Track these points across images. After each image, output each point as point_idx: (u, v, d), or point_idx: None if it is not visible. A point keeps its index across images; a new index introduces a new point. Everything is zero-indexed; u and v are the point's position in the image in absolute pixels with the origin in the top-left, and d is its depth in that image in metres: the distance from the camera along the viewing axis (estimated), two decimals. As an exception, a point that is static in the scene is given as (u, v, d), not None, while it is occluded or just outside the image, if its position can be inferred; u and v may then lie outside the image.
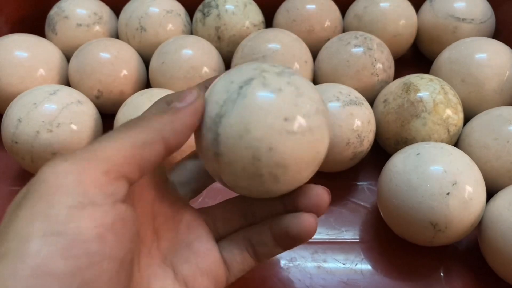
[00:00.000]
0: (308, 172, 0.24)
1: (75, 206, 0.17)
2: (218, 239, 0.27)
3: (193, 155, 0.29)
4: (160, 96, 0.37)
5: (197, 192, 0.28)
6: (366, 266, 0.35)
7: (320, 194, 0.25)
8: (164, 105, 0.22)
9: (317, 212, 0.25)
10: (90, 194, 0.18)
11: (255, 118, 0.21)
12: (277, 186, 0.23)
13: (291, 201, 0.26)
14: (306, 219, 0.25)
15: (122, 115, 0.38)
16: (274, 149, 0.21)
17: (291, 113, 0.22)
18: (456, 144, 0.38)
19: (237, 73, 0.23)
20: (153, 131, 0.21)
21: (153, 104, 0.23)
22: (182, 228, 0.26)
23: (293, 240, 0.25)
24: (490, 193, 0.34)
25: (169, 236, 0.25)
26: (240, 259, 0.26)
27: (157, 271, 0.24)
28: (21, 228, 0.16)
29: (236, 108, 0.22)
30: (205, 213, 0.27)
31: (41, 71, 0.43)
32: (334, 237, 0.37)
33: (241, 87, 0.22)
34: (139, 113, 0.24)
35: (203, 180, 0.28)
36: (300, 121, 0.22)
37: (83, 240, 0.17)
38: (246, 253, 0.26)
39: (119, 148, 0.19)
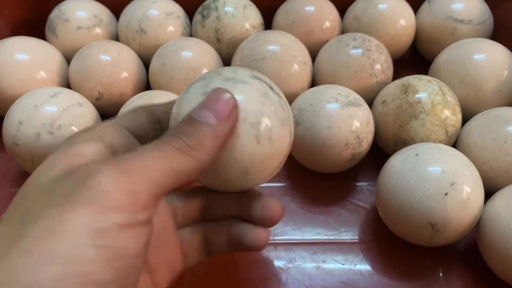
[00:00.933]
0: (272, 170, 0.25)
1: (125, 225, 0.18)
2: (177, 227, 0.28)
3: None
4: (159, 99, 0.38)
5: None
6: (365, 267, 0.35)
7: (276, 210, 0.27)
8: (198, 123, 0.22)
9: (268, 225, 0.27)
10: (138, 216, 0.19)
11: None
12: (247, 185, 0.25)
13: (247, 209, 0.27)
14: (262, 234, 0.27)
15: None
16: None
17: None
18: (455, 144, 0.38)
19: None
20: (198, 162, 0.21)
21: (187, 119, 0.22)
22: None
23: (246, 248, 0.27)
24: (489, 193, 0.34)
25: None
26: (197, 254, 0.28)
27: None
28: (75, 234, 0.17)
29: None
30: (167, 201, 0.28)
31: (42, 73, 0.43)
32: (333, 237, 0.37)
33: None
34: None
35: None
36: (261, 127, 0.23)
37: (127, 255, 0.18)
38: (203, 248, 0.28)
39: (168, 174, 0.20)
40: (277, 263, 0.35)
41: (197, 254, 0.28)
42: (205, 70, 0.42)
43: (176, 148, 0.21)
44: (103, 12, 0.48)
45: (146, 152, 0.20)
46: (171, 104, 0.26)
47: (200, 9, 0.47)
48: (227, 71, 0.24)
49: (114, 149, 0.22)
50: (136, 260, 0.19)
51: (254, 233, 0.27)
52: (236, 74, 0.24)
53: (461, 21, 0.45)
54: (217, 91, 0.22)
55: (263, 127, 0.23)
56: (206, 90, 0.23)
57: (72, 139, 0.22)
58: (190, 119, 0.22)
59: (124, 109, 0.39)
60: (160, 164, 0.20)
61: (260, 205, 0.27)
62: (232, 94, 0.22)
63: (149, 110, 0.26)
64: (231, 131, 0.22)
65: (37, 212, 0.18)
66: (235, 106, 0.22)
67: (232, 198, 0.28)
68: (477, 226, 0.33)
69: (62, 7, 0.47)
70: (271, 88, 0.25)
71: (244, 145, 0.23)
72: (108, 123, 0.24)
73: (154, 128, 0.26)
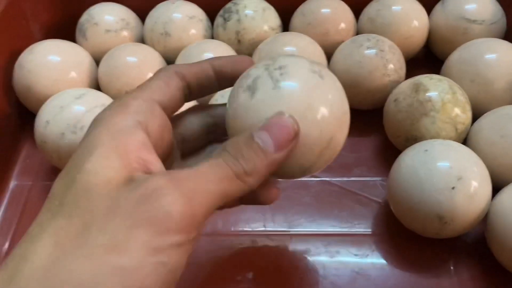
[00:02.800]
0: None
1: (180, 244, 0.19)
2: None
3: (194, 110, 0.28)
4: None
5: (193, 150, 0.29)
6: (377, 258, 0.37)
7: (275, 195, 0.27)
8: (257, 147, 0.21)
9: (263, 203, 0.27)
10: (191, 235, 0.20)
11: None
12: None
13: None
14: (275, 193, 0.27)
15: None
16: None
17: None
18: (465, 141, 0.39)
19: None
20: (248, 188, 0.21)
21: (248, 138, 0.22)
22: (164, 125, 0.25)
23: (253, 201, 0.27)
24: (497, 189, 0.35)
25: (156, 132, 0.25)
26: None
27: None
28: (137, 251, 0.18)
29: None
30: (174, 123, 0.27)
31: (73, 74, 0.45)
32: (346, 230, 0.38)
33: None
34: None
35: (205, 138, 0.29)
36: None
37: (177, 269, 0.19)
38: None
39: (221, 198, 0.21)
40: (293, 253, 0.37)
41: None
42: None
43: (233, 171, 0.21)
44: (130, 16, 0.51)
45: (207, 172, 0.20)
46: (202, 67, 0.25)
47: (221, 12, 0.49)
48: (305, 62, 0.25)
49: (150, 135, 0.22)
50: (181, 270, 0.20)
51: (268, 189, 0.27)
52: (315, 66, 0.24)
53: (474, 21, 0.45)
54: (282, 117, 0.22)
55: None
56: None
57: (113, 125, 0.21)
58: (251, 141, 0.21)
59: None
60: (218, 188, 0.20)
61: (264, 186, 0.26)
62: (295, 121, 0.22)
63: (180, 73, 0.25)
64: (286, 159, 0.22)
65: (103, 221, 0.18)
66: (296, 135, 0.22)
67: None
68: (485, 220, 0.34)
69: (91, 11, 0.50)
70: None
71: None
72: (142, 98, 0.23)
73: (184, 94, 0.25)
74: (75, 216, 0.18)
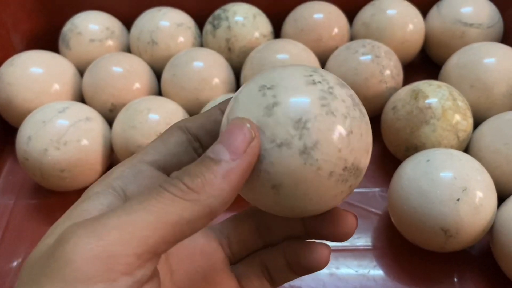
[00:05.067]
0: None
1: None
2: (234, 261, 0.25)
3: None
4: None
5: None
6: (378, 273, 0.35)
7: (350, 223, 0.23)
8: (209, 161, 0.18)
9: (341, 240, 0.23)
10: (119, 283, 0.16)
11: None
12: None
13: (314, 224, 0.23)
14: (321, 252, 0.23)
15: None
16: None
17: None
18: (466, 149, 0.38)
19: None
20: (201, 207, 0.18)
21: (202, 157, 0.19)
22: (196, 255, 0.24)
23: (306, 269, 0.24)
24: (502, 198, 0.34)
25: (182, 266, 0.24)
26: (257, 284, 0.24)
27: None
28: None
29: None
30: (218, 231, 0.25)
31: (56, 86, 0.44)
32: (346, 244, 0.37)
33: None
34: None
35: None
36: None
37: None
38: (264, 278, 0.24)
39: (160, 228, 0.17)
40: (291, 271, 0.36)
41: (259, 286, 0.24)
42: (216, 80, 0.43)
43: (172, 194, 0.18)
44: (115, 25, 0.49)
45: (132, 205, 0.17)
46: (209, 114, 0.23)
47: (210, 19, 0.48)
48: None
49: (130, 196, 0.20)
50: None
51: (314, 252, 0.23)
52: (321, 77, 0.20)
53: (471, 25, 0.45)
54: (234, 122, 0.19)
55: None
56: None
57: (84, 194, 0.20)
58: (203, 157, 0.19)
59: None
60: (146, 216, 0.17)
61: (331, 218, 0.23)
62: (251, 123, 0.19)
63: (183, 127, 0.23)
64: (250, 166, 0.19)
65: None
66: (252, 138, 0.19)
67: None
68: (491, 231, 0.33)
69: (74, 20, 0.48)
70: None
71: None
72: (127, 164, 0.21)
73: (193, 148, 0.23)
74: None
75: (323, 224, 0.23)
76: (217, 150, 0.18)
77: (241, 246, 0.25)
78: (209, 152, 0.19)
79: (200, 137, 0.23)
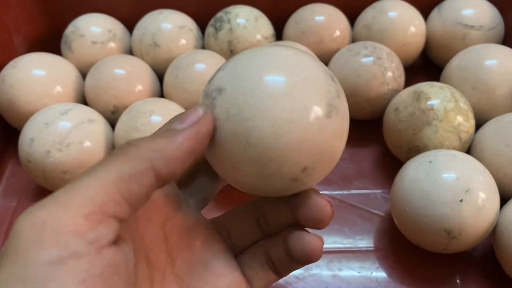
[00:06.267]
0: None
1: (54, 262, 0.15)
2: (237, 252, 0.25)
3: (197, 163, 0.26)
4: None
5: (207, 200, 0.26)
6: (381, 274, 0.35)
7: (321, 206, 0.23)
8: (164, 127, 0.20)
9: (318, 227, 0.23)
10: (71, 245, 0.16)
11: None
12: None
13: (293, 210, 0.23)
14: (313, 241, 0.23)
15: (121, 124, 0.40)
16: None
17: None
18: (468, 151, 0.38)
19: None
20: (141, 160, 0.18)
21: (161, 127, 0.21)
22: (197, 245, 0.24)
23: (301, 259, 0.23)
24: (504, 199, 0.34)
25: (184, 256, 0.24)
26: (262, 275, 0.24)
27: None
28: None
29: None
30: (218, 224, 0.25)
31: (58, 88, 0.44)
32: (349, 245, 0.37)
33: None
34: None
35: (213, 187, 0.26)
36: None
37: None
38: (268, 269, 0.24)
39: (102, 185, 0.17)
40: (293, 272, 0.35)
41: (264, 277, 0.24)
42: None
43: (114, 154, 0.18)
44: (117, 27, 0.49)
45: (79, 177, 0.17)
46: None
47: (212, 21, 0.48)
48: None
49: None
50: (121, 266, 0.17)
51: (303, 241, 0.23)
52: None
53: (472, 27, 0.45)
54: (191, 107, 0.21)
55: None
56: None
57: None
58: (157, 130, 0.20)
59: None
60: (87, 179, 0.17)
61: (302, 202, 0.23)
62: (206, 108, 0.20)
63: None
64: (197, 133, 0.19)
65: None
66: (204, 113, 0.20)
67: (285, 203, 0.24)
68: (494, 232, 0.33)
69: (77, 23, 0.48)
70: None
71: None
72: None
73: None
74: None
75: (298, 210, 0.23)
76: (170, 122, 0.20)
77: (243, 237, 0.25)
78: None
79: None
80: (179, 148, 0.19)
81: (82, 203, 0.16)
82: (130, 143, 0.19)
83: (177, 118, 0.20)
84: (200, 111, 0.20)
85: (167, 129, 0.20)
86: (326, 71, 0.22)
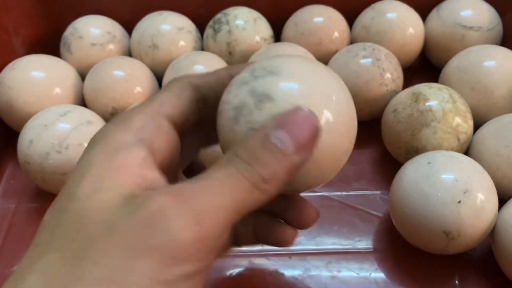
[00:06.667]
0: None
1: (190, 275, 0.17)
2: None
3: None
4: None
5: (187, 162, 0.27)
6: (380, 275, 0.35)
7: (313, 217, 0.26)
8: (275, 149, 0.18)
9: (301, 227, 0.26)
10: (203, 262, 0.17)
11: None
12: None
13: (284, 208, 0.26)
14: (291, 232, 0.26)
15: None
16: None
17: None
18: (467, 152, 0.38)
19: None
20: (268, 197, 0.19)
21: (262, 138, 0.19)
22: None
23: (271, 243, 0.27)
24: (503, 200, 0.34)
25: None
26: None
27: None
28: (138, 285, 0.16)
29: None
30: None
31: (57, 90, 0.44)
32: (347, 247, 0.37)
33: None
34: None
35: (196, 150, 0.27)
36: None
37: None
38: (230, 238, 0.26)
39: (239, 213, 0.18)
40: (292, 273, 0.36)
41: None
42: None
43: (249, 181, 0.18)
44: (116, 29, 0.49)
45: (219, 186, 0.18)
46: (218, 76, 0.23)
47: (211, 23, 0.48)
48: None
49: (154, 153, 0.20)
50: None
51: (284, 230, 0.26)
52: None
53: (470, 28, 0.45)
54: (302, 112, 0.19)
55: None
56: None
57: (110, 143, 0.19)
58: (267, 142, 0.18)
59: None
60: (232, 203, 0.18)
61: (298, 207, 0.25)
62: (316, 115, 0.19)
63: (193, 84, 0.22)
64: (307, 161, 0.19)
65: (98, 252, 0.16)
66: (319, 131, 0.19)
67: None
68: (492, 233, 0.33)
69: (76, 24, 0.48)
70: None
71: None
72: (147, 113, 0.21)
73: (198, 107, 0.22)
74: (67, 249, 0.16)
75: (289, 211, 0.26)
76: (283, 138, 0.18)
77: None
78: (274, 138, 0.18)
79: (207, 98, 0.22)
80: (290, 177, 0.19)
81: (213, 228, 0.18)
82: (264, 178, 0.18)
83: (290, 135, 0.18)
84: (315, 129, 0.19)
85: (283, 150, 0.18)
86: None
